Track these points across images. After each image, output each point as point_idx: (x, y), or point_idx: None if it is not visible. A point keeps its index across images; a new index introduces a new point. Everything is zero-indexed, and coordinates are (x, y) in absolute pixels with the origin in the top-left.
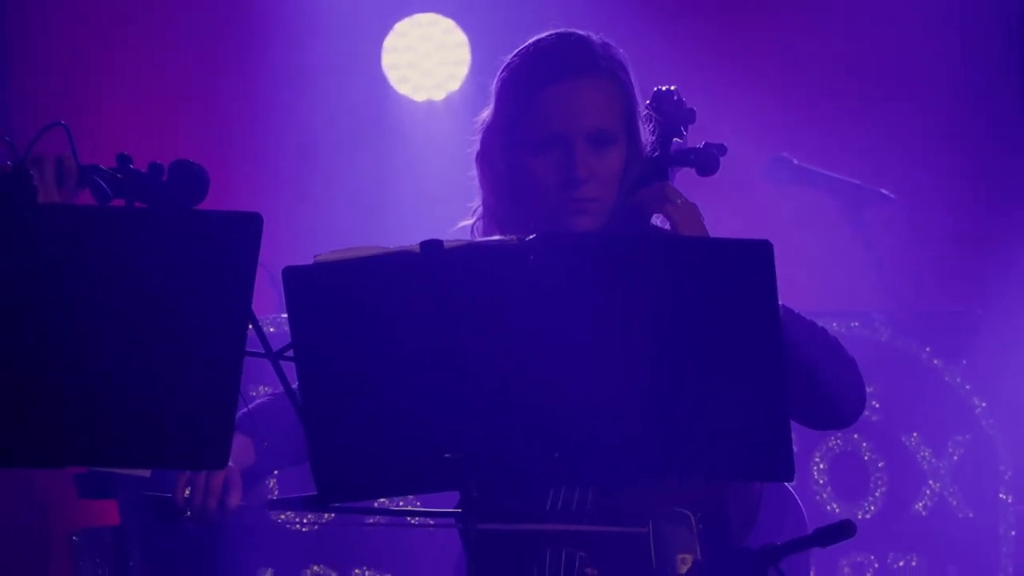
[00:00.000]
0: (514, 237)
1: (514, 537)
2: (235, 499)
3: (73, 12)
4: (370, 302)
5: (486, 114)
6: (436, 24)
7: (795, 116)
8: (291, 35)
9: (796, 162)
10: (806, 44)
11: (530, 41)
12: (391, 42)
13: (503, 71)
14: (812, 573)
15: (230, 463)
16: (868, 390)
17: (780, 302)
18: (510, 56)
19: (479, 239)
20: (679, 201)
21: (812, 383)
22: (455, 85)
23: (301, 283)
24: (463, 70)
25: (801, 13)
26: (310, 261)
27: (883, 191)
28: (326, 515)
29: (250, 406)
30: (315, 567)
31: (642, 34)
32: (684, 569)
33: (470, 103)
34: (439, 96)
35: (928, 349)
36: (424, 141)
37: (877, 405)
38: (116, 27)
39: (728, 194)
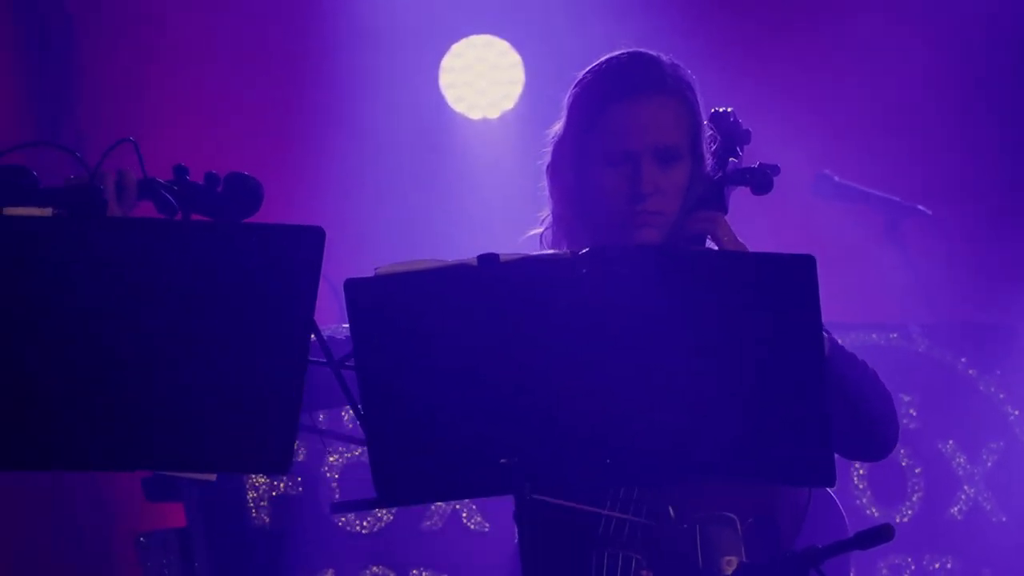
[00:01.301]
0: (568, 251)
1: (569, 538)
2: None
3: (138, 31)
4: (429, 313)
5: (557, 127)
6: (491, 45)
7: (837, 134)
8: (353, 55)
9: (838, 179)
10: (846, 68)
11: (602, 59)
12: (448, 62)
13: (575, 87)
14: (852, 575)
15: None
16: (906, 399)
17: (828, 335)
18: (582, 72)
19: (535, 253)
20: (725, 239)
21: (858, 414)
22: (509, 104)
23: (362, 294)
24: (517, 89)
25: (841, 39)
26: (371, 273)
27: (919, 207)
28: (385, 518)
29: None
30: (374, 568)
31: (690, 55)
32: (729, 570)
33: (524, 121)
34: (494, 114)
35: (964, 359)
36: (479, 157)
37: (914, 413)
38: (182, 46)
39: (775, 209)
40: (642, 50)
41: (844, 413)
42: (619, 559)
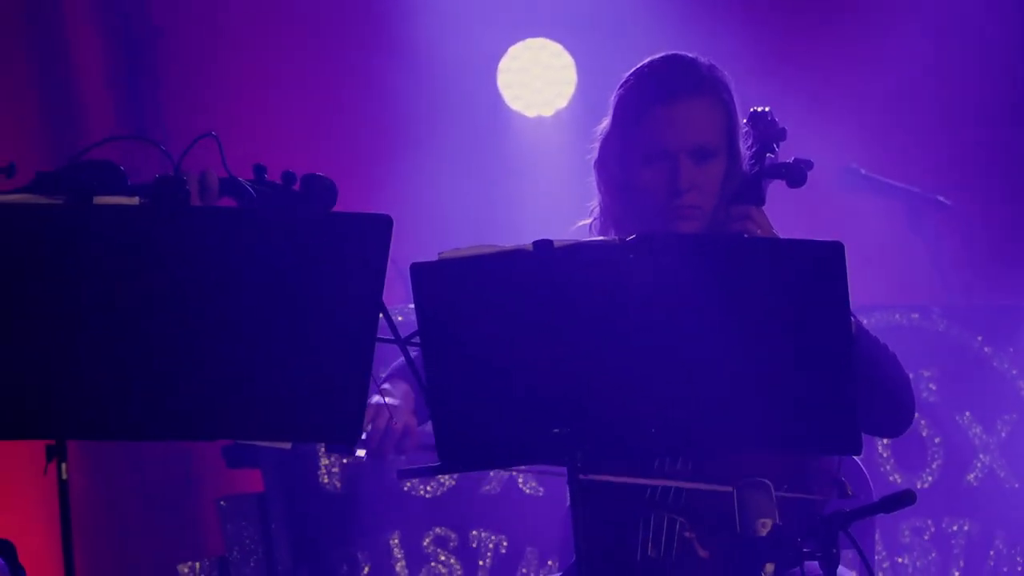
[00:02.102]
0: (616, 237)
1: (619, 503)
2: (411, 444)
3: (217, 36)
4: (488, 294)
5: (604, 125)
6: (546, 48)
7: (862, 130)
8: (419, 58)
9: (863, 172)
10: (871, 68)
11: (644, 62)
12: (505, 64)
13: (620, 88)
14: (877, 536)
15: (404, 407)
16: (926, 374)
17: (854, 318)
18: (626, 74)
19: (585, 239)
20: (760, 232)
21: (881, 392)
22: (563, 103)
23: (427, 277)
24: (570, 89)
25: (866, 41)
26: (434, 258)
27: (940, 198)
28: (447, 483)
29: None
30: (437, 529)
31: (726, 56)
32: (764, 532)
33: (576, 119)
34: (548, 112)
35: (980, 338)
36: (535, 152)
37: (934, 387)
38: (258, 49)
39: (807, 200)
40: (681, 53)
41: (868, 390)
42: (664, 521)
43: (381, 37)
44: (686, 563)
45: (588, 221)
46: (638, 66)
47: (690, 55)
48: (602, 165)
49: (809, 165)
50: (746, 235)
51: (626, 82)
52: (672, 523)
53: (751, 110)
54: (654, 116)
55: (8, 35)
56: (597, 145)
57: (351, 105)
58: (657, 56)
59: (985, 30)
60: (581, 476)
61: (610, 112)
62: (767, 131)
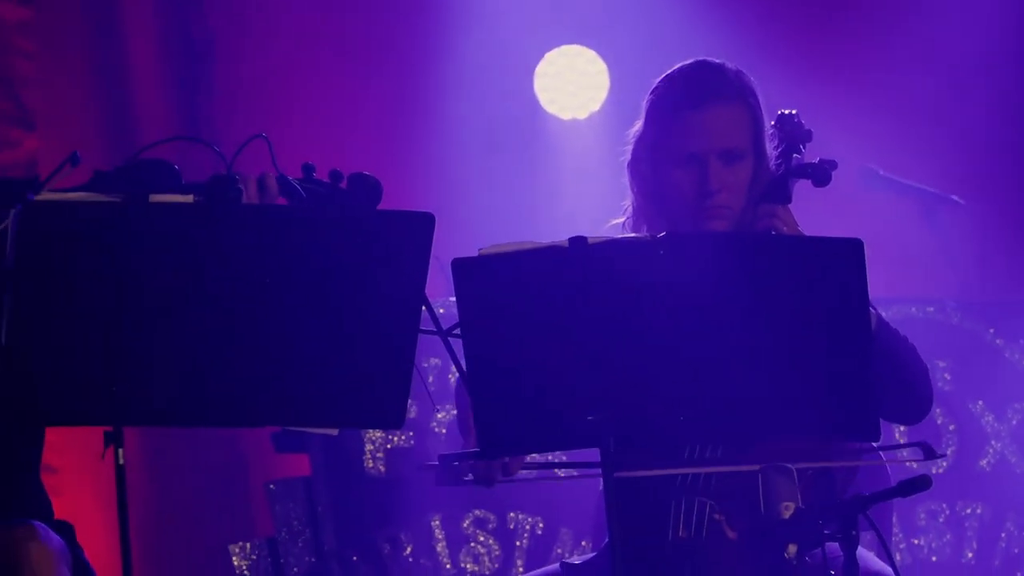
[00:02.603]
0: (648, 235)
1: (651, 487)
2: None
3: (268, 44)
4: (525, 288)
5: (636, 128)
6: (580, 54)
7: (880, 130)
8: (460, 64)
9: (881, 172)
10: (889, 72)
11: (675, 68)
12: (542, 69)
13: (652, 93)
14: (894, 519)
15: None
16: (941, 364)
17: (875, 312)
18: (658, 80)
19: (618, 236)
20: (786, 229)
21: (900, 382)
22: (596, 106)
23: (467, 272)
24: (603, 94)
25: (881, 42)
26: (474, 253)
27: (954, 197)
28: None
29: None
30: (476, 512)
31: (753, 63)
32: (787, 515)
33: (608, 121)
34: (582, 115)
35: (992, 330)
36: (569, 153)
37: (948, 377)
38: (305, 53)
39: (828, 198)
40: (710, 59)
41: (888, 380)
42: (695, 504)
43: (425, 45)
44: (715, 544)
45: (621, 219)
46: (669, 72)
47: (718, 61)
48: (635, 166)
49: (833, 165)
50: (773, 232)
51: (658, 87)
52: (702, 506)
53: (778, 112)
54: (685, 120)
55: (71, 42)
56: (630, 147)
57: (397, 108)
58: (687, 62)
59: (997, 34)
60: (616, 475)
61: (643, 116)
62: (794, 133)
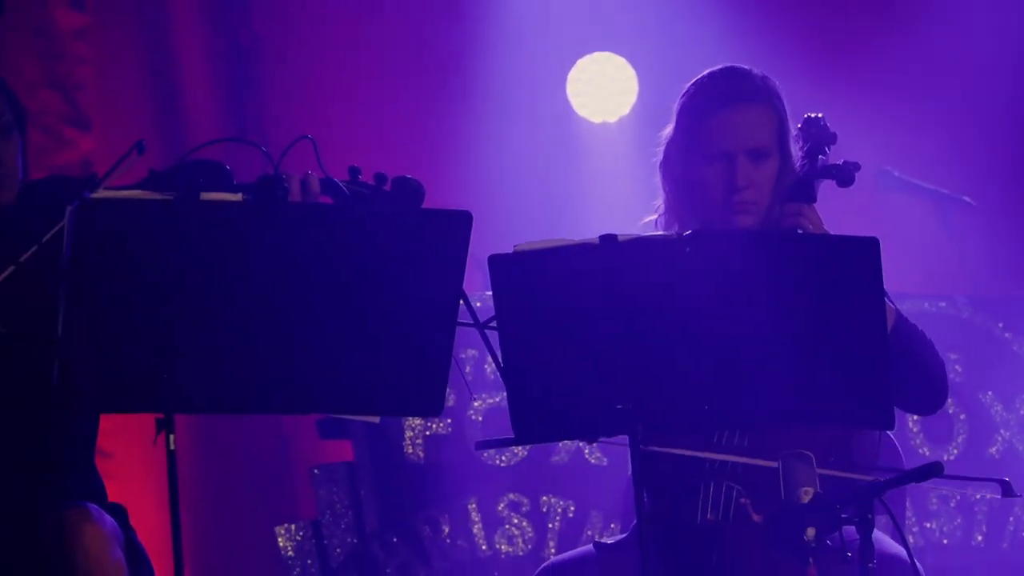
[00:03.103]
0: (674, 232)
1: (681, 472)
2: None
3: (312, 47)
4: (558, 283)
5: (668, 130)
6: (610, 61)
7: (896, 134)
8: (497, 70)
9: (897, 174)
10: (905, 76)
11: (704, 73)
12: (574, 75)
13: (683, 96)
14: (908, 503)
15: None
16: (952, 357)
17: (897, 308)
18: (688, 84)
19: (646, 233)
20: (812, 226)
21: (919, 375)
22: (625, 110)
23: (503, 267)
24: (632, 99)
25: (898, 52)
26: (510, 250)
27: (965, 198)
28: (520, 453)
29: None
30: (511, 495)
31: (775, 67)
32: (806, 499)
33: (637, 125)
34: (612, 119)
35: (1001, 325)
36: (600, 154)
37: (959, 369)
38: (348, 57)
39: (847, 198)
40: (737, 65)
41: (907, 372)
42: (723, 489)
43: (463, 51)
44: (741, 527)
45: (653, 217)
46: (699, 77)
47: (745, 67)
48: (667, 166)
49: (857, 167)
50: (799, 230)
51: (688, 91)
52: (730, 491)
53: (805, 116)
54: (715, 121)
55: (124, 47)
56: (662, 148)
57: (437, 111)
58: (716, 68)
59: (1010, 44)
60: (643, 447)
61: (674, 118)
62: (819, 135)
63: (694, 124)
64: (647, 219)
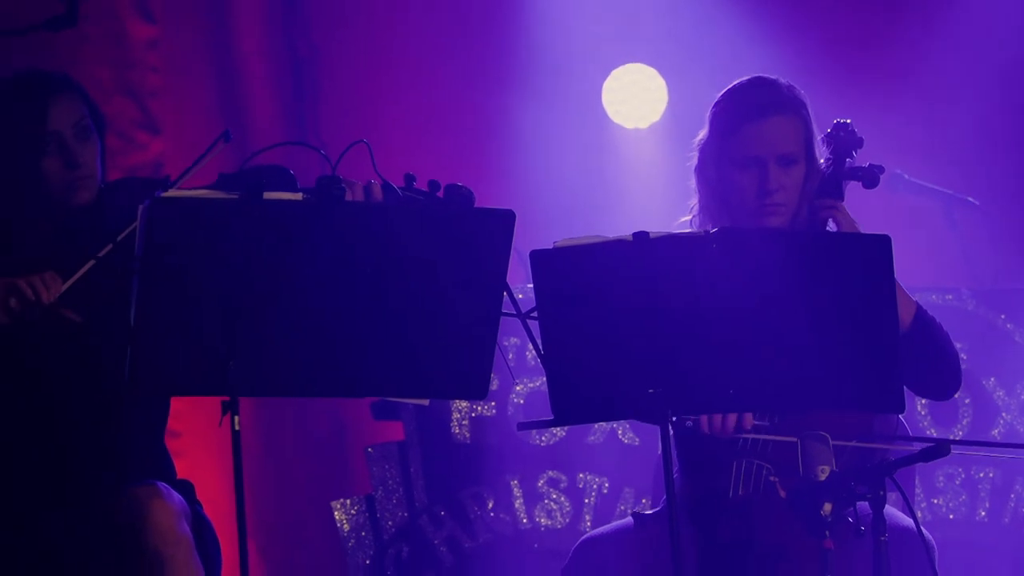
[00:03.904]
0: (702, 230)
1: (714, 451)
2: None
3: (367, 57)
4: (595, 276)
5: (701, 136)
6: (642, 71)
7: (907, 139)
8: (537, 78)
9: (907, 177)
10: (914, 84)
11: (735, 83)
12: (609, 84)
13: (715, 106)
14: (916, 481)
15: None
16: (957, 345)
17: (918, 303)
18: (720, 94)
19: (676, 231)
20: (843, 220)
21: (937, 363)
22: (656, 117)
23: (544, 261)
24: (662, 106)
25: (907, 55)
26: (550, 245)
27: (970, 199)
28: (559, 434)
29: None
30: (550, 472)
31: (799, 76)
32: (823, 477)
33: (667, 131)
34: (644, 125)
35: (1003, 316)
36: (633, 157)
37: (964, 357)
38: (400, 67)
39: (862, 199)
40: (765, 76)
41: (927, 361)
42: (753, 466)
43: (508, 64)
44: (768, 501)
45: (688, 217)
46: (730, 87)
47: (772, 77)
48: (701, 170)
49: (881, 170)
50: (831, 222)
51: (721, 101)
52: (760, 468)
53: (835, 121)
54: (746, 131)
55: (192, 56)
56: (696, 153)
57: (484, 118)
58: (745, 79)
59: (1012, 51)
60: (674, 419)
61: (707, 126)
62: (847, 140)
63: (726, 133)
64: (683, 219)
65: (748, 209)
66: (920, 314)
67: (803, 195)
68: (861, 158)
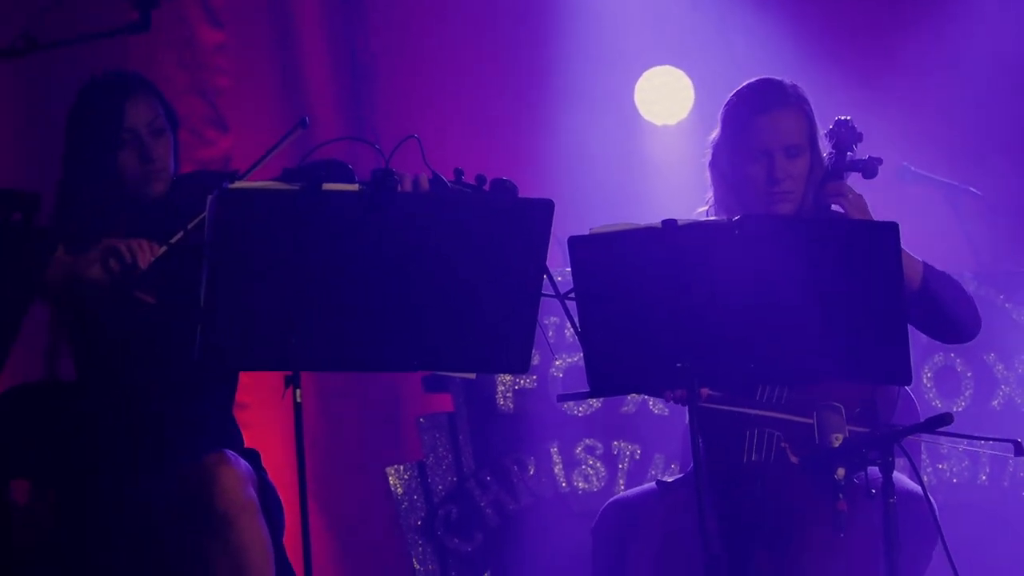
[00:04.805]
0: (726, 218)
1: (729, 420)
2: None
3: (418, 62)
4: (627, 260)
5: (715, 134)
6: (671, 73)
7: (913, 132)
8: (575, 79)
9: (913, 169)
10: (921, 78)
11: (744, 84)
12: (641, 84)
13: (727, 105)
14: (923, 448)
15: None
16: None
17: (923, 262)
18: (730, 95)
19: (705, 219)
20: (850, 196)
21: (945, 314)
22: (683, 115)
23: (581, 247)
24: (689, 105)
25: (912, 57)
26: (586, 232)
27: (972, 189)
28: (595, 404)
29: None
30: (587, 440)
31: (808, 77)
32: (836, 444)
33: (693, 127)
34: (672, 122)
35: (1002, 297)
36: (662, 152)
37: None
38: (450, 71)
39: (871, 189)
40: (771, 77)
41: (939, 311)
42: (765, 434)
43: (548, 67)
44: (781, 466)
45: (705, 208)
46: (739, 88)
47: (777, 78)
48: (715, 164)
49: (880, 161)
50: (838, 206)
51: (731, 101)
52: (771, 436)
53: (836, 118)
54: (755, 125)
55: (257, 59)
56: (710, 150)
57: (526, 115)
58: (753, 80)
59: (1009, 43)
60: (701, 405)
61: (719, 124)
62: (848, 135)
63: (737, 128)
64: (700, 209)
65: (759, 197)
66: (927, 271)
67: (809, 183)
68: (867, 151)
